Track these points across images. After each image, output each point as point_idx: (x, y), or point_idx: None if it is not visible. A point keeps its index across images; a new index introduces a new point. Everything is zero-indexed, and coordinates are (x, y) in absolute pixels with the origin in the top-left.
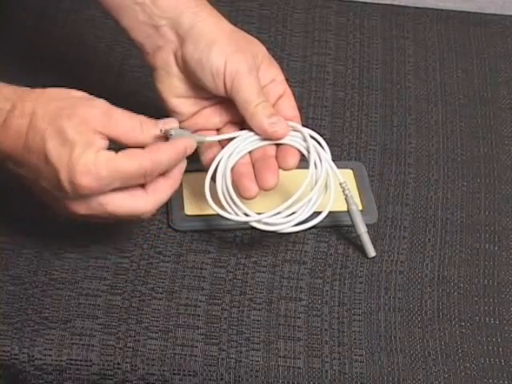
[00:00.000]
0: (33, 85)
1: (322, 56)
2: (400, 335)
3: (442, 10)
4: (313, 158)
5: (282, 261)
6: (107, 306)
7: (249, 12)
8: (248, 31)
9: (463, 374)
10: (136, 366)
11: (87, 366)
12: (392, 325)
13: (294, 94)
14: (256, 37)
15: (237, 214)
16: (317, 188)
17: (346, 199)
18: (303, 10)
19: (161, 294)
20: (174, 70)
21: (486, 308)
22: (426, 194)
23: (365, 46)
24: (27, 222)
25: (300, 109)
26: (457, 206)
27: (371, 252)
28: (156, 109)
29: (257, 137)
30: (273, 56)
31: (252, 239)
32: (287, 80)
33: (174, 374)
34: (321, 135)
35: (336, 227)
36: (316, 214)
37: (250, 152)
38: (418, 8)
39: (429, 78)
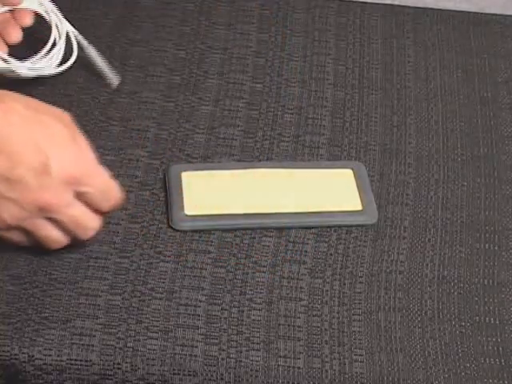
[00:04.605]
0: (32, 83)
1: (321, 56)
2: (400, 335)
3: (442, 10)
4: (54, 20)
5: (282, 261)
6: (107, 305)
7: (249, 12)
8: (248, 31)
9: (463, 374)
10: (136, 365)
11: (87, 366)
12: (392, 325)
13: (293, 94)
14: (256, 37)
15: None
16: (61, 43)
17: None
18: (303, 9)
19: (161, 294)
20: None
21: (486, 308)
22: (426, 194)
23: (365, 46)
24: None
25: (300, 109)
26: (457, 206)
27: (114, 81)
28: (156, 109)
29: None
30: (272, 56)
31: (252, 239)
32: (286, 80)
33: (173, 374)
34: (321, 135)
35: (336, 227)
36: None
37: None
38: (417, 8)
39: (429, 78)
